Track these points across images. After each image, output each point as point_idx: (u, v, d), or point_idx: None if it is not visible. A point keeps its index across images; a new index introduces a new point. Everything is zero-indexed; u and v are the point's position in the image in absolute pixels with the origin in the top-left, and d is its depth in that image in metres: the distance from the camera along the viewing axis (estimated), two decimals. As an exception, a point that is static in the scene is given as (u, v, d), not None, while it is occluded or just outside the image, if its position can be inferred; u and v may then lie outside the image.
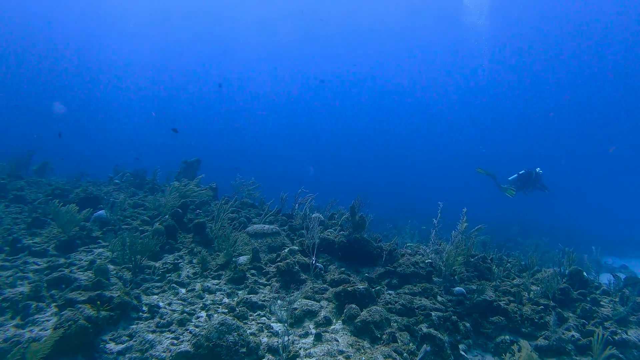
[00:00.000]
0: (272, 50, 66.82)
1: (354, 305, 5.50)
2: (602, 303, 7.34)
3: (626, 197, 57.94)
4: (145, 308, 5.49)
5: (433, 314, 5.90)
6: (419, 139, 76.95)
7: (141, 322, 5.19)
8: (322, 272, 7.24)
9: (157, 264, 7.03)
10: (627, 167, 59.68)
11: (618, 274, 14.87)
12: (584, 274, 7.88)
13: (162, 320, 5.21)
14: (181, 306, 5.72)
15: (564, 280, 7.69)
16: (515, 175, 14.95)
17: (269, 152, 76.19)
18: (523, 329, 6.21)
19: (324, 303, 6.02)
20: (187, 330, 5.09)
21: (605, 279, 10.11)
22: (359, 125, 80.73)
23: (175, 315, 5.38)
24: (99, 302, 4.97)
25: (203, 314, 5.59)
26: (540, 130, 63.25)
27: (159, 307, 5.56)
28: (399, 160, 74.95)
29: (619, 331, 6.19)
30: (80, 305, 4.87)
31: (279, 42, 64.57)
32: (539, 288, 7.39)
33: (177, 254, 7.63)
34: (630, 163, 58.84)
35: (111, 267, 6.69)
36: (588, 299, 7.28)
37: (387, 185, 57.95)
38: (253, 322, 5.42)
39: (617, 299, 7.48)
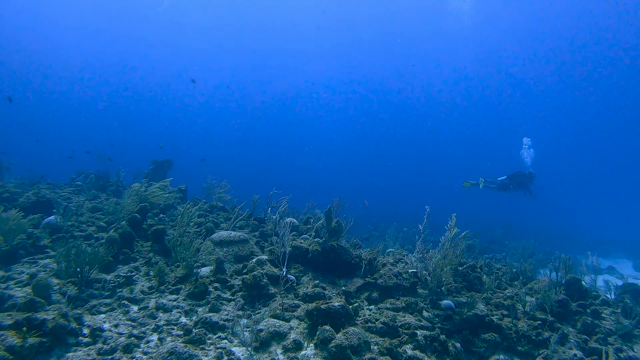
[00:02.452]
0: (254, 50, 65.72)
1: (327, 327, 4.78)
2: (603, 315, 6.79)
3: (607, 199, 58.59)
4: (86, 331, 4.72)
5: (419, 332, 5.25)
6: (401, 141, 76.53)
7: (80, 348, 4.43)
8: (294, 284, 6.54)
9: (108, 277, 6.25)
10: (608, 169, 60.33)
11: (606, 275, 14.52)
12: (583, 282, 7.34)
13: (105, 346, 4.45)
14: (130, 328, 4.97)
15: (561, 290, 7.11)
16: (505, 176, 14.87)
17: (250, 154, 75.02)
18: (519, 347, 5.62)
19: (294, 322, 5.31)
20: (133, 358, 4.34)
21: (590, 280, 9.62)
22: (341, 128, 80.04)
23: (122, 339, 4.62)
24: (24, 328, 4.19)
25: (155, 337, 4.84)
26: (523, 131, 63.32)
27: (103, 330, 4.80)
28: (380, 163, 74.47)
29: (625, 347, 5.63)
30: (3, 332, 4.10)
31: (260, 42, 63.55)
32: (534, 299, 6.82)
33: (132, 264, 6.84)
34: (611, 165, 59.51)
35: (55, 281, 5.89)
36: (588, 311, 6.73)
37: (369, 188, 57.42)
38: (211, 347, 4.68)
39: (619, 310, 6.94)
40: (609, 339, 5.95)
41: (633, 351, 5.60)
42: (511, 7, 44.44)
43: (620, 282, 11.07)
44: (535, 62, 50.82)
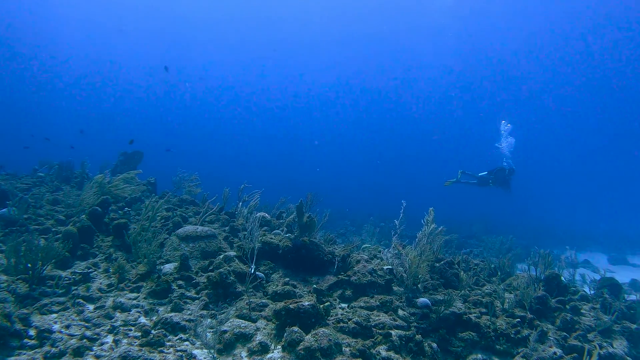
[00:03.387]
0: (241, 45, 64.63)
1: (295, 329, 4.45)
2: (582, 311, 6.66)
3: (581, 193, 59.66)
4: (32, 332, 4.31)
5: (393, 332, 4.96)
6: (381, 137, 76.50)
7: (24, 351, 4.03)
8: (263, 282, 6.19)
9: (63, 274, 5.82)
10: (582, 164, 61.35)
11: (582, 269, 14.52)
12: (562, 278, 7.20)
13: (53, 349, 4.07)
14: (83, 329, 4.57)
15: (540, 286, 6.95)
16: (486, 172, 14.89)
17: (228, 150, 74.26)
18: (497, 346, 5.42)
19: (261, 323, 4.97)
20: (84, 362, 3.96)
21: (568, 274, 9.56)
22: (323, 124, 79.78)
23: (73, 341, 4.23)
24: (-41, 331, 3.77)
25: (110, 338, 4.46)
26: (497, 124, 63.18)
27: (52, 331, 4.39)
28: (360, 158, 74.37)
29: (604, 344, 5.49)
30: None
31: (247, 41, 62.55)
32: (513, 296, 6.64)
33: (91, 260, 6.43)
34: (585, 160, 60.51)
35: (3, 278, 5.45)
36: (568, 307, 6.60)
37: (350, 183, 57.32)
38: (171, 350, 4.32)
39: (598, 306, 6.82)
40: (588, 335, 5.83)
41: (613, 347, 5.47)
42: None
43: (596, 276, 11.06)
44: (525, 57, 51.10)
